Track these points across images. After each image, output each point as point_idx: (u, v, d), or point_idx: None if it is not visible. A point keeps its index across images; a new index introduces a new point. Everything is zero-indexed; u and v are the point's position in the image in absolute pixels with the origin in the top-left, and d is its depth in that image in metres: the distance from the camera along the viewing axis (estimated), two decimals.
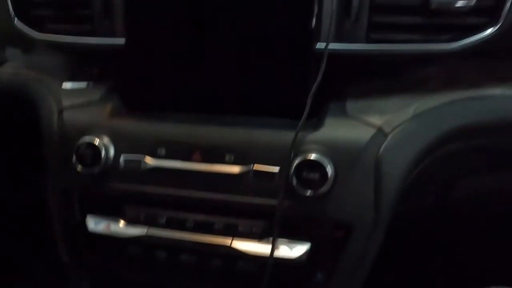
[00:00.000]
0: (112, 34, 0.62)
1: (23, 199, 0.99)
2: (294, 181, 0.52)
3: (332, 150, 0.53)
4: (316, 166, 0.52)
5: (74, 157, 0.58)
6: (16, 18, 0.67)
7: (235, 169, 0.55)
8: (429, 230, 0.86)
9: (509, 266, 0.84)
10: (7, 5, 0.68)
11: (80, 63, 0.73)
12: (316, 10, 0.54)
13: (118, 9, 0.61)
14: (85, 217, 0.61)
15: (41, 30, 0.67)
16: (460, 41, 0.54)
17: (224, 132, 0.57)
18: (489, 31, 0.53)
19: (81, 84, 0.69)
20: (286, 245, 0.55)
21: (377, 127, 0.54)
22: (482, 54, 0.57)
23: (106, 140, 0.58)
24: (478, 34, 0.53)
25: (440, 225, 0.84)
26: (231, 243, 0.56)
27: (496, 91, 0.58)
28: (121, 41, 0.61)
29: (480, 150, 0.63)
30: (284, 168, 0.52)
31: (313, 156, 0.52)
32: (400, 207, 0.65)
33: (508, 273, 0.62)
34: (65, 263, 0.65)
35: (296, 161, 0.52)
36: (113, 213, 0.60)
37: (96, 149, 0.57)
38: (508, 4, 0.52)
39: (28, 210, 0.96)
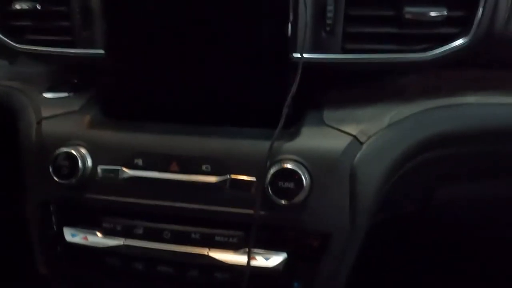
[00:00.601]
0: (91, 45, 0.63)
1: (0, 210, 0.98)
2: (270, 191, 0.52)
3: (308, 159, 0.53)
4: (292, 175, 0.52)
5: (51, 168, 0.58)
6: None
7: (212, 179, 0.55)
8: (408, 237, 0.87)
9: (489, 269, 0.85)
10: None
11: (60, 73, 0.73)
12: (291, 21, 0.54)
13: (97, 20, 0.62)
14: (62, 228, 0.60)
15: (21, 41, 0.67)
16: (433, 51, 0.55)
17: (201, 143, 0.57)
18: (461, 41, 0.54)
19: (61, 94, 0.69)
20: (263, 255, 0.55)
21: (352, 136, 0.55)
22: (456, 64, 0.58)
23: (83, 151, 0.58)
24: (451, 44, 0.54)
25: (420, 232, 0.85)
26: (207, 254, 0.56)
27: (470, 99, 0.59)
28: (100, 52, 0.62)
29: (456, 158, 0.63)
30: (260, 178, 0.53)
31: (288, 165, 0.52)
32: (379, 215, 0.65)
33: (488, 277, 0.63)
34: (43, 275, 0.65)
35: (272, 171, 0.52)
36: (90, 225, 0.59)
37: (73, 160, 0.57)
38: (478, 15, 0.53)
39: (6, 221, 0.95)
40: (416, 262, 0.99)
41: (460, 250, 0.95)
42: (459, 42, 0.54)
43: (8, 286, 1.04)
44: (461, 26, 0.54)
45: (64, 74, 0.73)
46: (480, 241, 0.90)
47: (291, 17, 0.54)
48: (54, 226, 0.61)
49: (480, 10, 0.53)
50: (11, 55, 0.78)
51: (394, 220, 0.75)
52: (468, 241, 0.92)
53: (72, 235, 0.59)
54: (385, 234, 0.79)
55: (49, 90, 0.70)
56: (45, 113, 0.64)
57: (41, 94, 0.69)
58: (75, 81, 0.72)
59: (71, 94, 0.69)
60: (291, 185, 0.52)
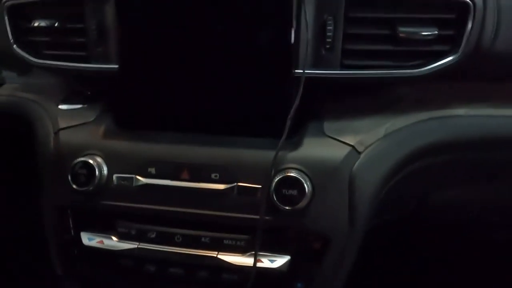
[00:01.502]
0: (105, 60, 0.66)
1: (17, 215, 1.01)
2: (275, 197, 0.56)
3: (309, 167, 0.57)
4: (295, 183, 0.56)
5: (69, 176, 0.61)
6: (15, 44, 0.71)
7: (220, 186, 0.59)
8: (404, 240, 0.90)
9: (484, 272, 0.88)
10: (7, 31, 0.72)
11: (75, 86, 0.77)
12: (293, 40, 0.59)
13: (112, 37, 0.65)
14: (79, 233, 0.64)
15: (38, 55, 0.71)
16: (426, 67, 0.59)
17: (210, 152, 0.60)
18: (451, 57, 0.58)
19: (76, 106, 0.72)
20: (268, 258, 0.59)
21: (351, 146, 0.59)
22: (447, 78, 0.63)
23: (99, 160, 0.62)
24: (442, 60, 0.58)
25: (415, 235, 0.89)
26: (216, 256, 0.59)
27: (460, 111, 0.64)
28: (114, 66, 0.65)
29: (448, 165, 0.67)
30: (265, 185, 0.56)
31: (292, 174, 0.56)
32: (376, 220, 0.69)
33: (483, 278, 0.66)
34: (58, 276, 0.68)
35: (276, 179, 0.56)
36: (106, 229, 0.63)
37: (90, 169, 0.61)
38: (467, 34, 0.58)
39: (23, 225, 0.98)
40: (412, 264, 1.02)
41: (454, 252, 0.99)
42: (449, 58, 0.58)
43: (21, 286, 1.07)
44: (451, 44, 0.58)
45: (76, 86, 0.77)
46: (474, 243, 0.94)
47: (293, 36, 0.58)
48: (72, 231, 0.64)
49: (468, 29, 0.57)
50: (26, 68, 0.83)
51: (390, 223, 0.79)
52: (461, 243, 0.96)
53: (89, 239, 0.63)
54: (381, 238, 0.83)
55: (64, 101, 0.73)
56: (61, 124, 0.68)
57: (57, 105, 0.73)
58: (88, 93, 0.76)
59: (85, 105, 0.72)
60: (294, 192, 0.56)
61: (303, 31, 0.59)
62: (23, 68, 0.82)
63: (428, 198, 0.77)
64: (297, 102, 0.57)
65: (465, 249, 0.98)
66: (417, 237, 0.97)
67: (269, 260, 0.58)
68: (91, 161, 0.61)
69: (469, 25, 0.57)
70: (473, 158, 0.67)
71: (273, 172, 0.57)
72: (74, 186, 0.61)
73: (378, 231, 0.75)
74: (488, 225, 0.89)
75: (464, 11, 0.57)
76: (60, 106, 0.73)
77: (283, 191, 0.56)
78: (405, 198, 0.76)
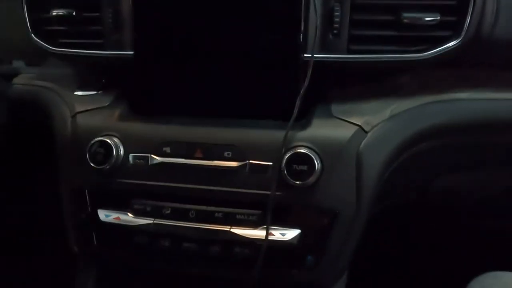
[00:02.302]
0: (120, 47, 0.69)
1: (32, 197, 1.04)
2: (285, 173, 0.58)
3: (318, 146, 0.59)
4: (305, 159, 0.58)
5: (87, 155, 0.64)
6: (32, 34, 0.74)
7: (233, 164, 0.61)
8: (408, 225, 0.92)
9: (488, 256, 0.90)
10: (24, 22, 0.75)
11: (87, 74, 0.80)
12: (303, 26, 0.62)
13: (127, 24, 0.68)
14: (96, 210, 0.66)
15: (55, 44, 0.73)
16: (429, 51, 0.61)
17: (222, 132, 0.63)
18: (453, 42, 0.61)
19: (92, 92, 0.75)
20: (279, 231, 0.61)
21: (358, 126, 0.61)
22: (450, 65, 0.65)
23: (116, 140, 0.64)
24: (444, 45, 0.61)
25: (419, 220, 0.91)
26: (229, 230, 0.61)
27: (462, 95, 0.66)
28: (129, 53, 0.68)
29: (450, 148, 0.70)
30: (277, 162, 0.59)
31: (302, 150, 0.59)
32: (382, 203, 0.71)
33: (488, 262, 0.68)
34: (74, 253, 0.70)
35: (287, 155, 0.59)
36: (122, 206, 0.65)
37: (108, 148, 0.63)
38: (468, 20, 0.60)
39: (37, 207, 1.01)
40: (416, 248, 1.04)
41: (458, 237, 1.01)
42: (451, 43, 0.61)
43: (37, 265, 1.09)
44: (453, 29, 0.61)
45: (91, 75, 0.80)
46: (474, 231, 0.96)
47: (302, 22, 0.61)
48: (89, 208, 0.67)
49: (469, 16, 0.60)
50: (42, 57, 0.85)
51: (395, 208, 0.81)
52: (463, 230, 0.98)
53: (106, 216, 0.65)
54: (386, 222, 0.85)
55: (79, 89, 0.76)
56: (78, 108, 0.70)
57: (72, 92, 0.75)
58: (103, 81, 0.78)
59: (100, 92, 0.75)
60: (304, 167, 0.58)
61: (311, 17, 0.62)
62: (40, 58, 0.85)
63: (431, 183, 0.79)
64: (306, 84, 0.60)
65: (465, 236, 1.00)
66: (418, 224, 0.99)
67: (280, 233, 0.61)
68: (108, 140, 0.63)
69: (470, 12, 0.60)
70: (475, 141, 0.70)
71: (283, 149, 0.59)
72: (92, 165, 0.63)
73: (381, 217, 0.77)
74: (488, 214, 0.91)
75: None
76: (76, 93, 0.75)
77: (294, 166, 0.58)
78: (409, 182, 0.78)
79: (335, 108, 0.65)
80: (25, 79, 0.83)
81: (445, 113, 0.65)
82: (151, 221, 0.63)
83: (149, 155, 0.63)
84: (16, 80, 0.83)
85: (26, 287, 1.09)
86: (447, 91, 0.66)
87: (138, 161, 0.64)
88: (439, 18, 0.60)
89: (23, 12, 0.74)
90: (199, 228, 0.62)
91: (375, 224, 0.72)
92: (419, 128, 0.64)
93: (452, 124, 0.65)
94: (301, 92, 0.60)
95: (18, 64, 0.87)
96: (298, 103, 0.60)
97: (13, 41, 0.83)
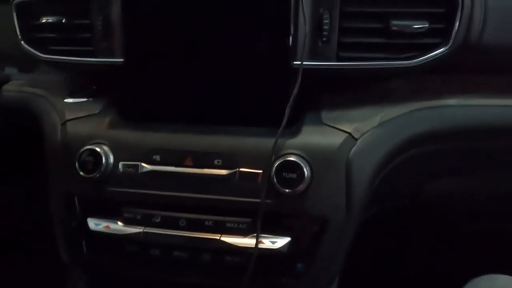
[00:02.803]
0: (110, 54, 0.69)
1: (24, 207, 1.03)
2: (275, 181, 0.58)
3: (308, 153, 0.60)
4: (295, 167, 0.58)
5: (76, 164, 0.63)
6: (22, 41, 0.74)
7: (222, 172, 0.61)
8: (399, 231, 0.93)
9: (483, 259, 0.91)
10: (14, 29, 0.74)
11: (78, 81, 0.79)
12: (292, 33, 0.62)
13: (117, 32, 0.68)
14: (86, 219, 0.66)
15: (44, 51, 0.73)
16: (417, 59, 0.62)
17: (213, 140, 0.63)
18: (442, 49, 0.61)
19: (81, 99, 0.75)
20: (269, 239, 0.61)
21: (348, 133, 0.62)
22: (439, 71, 0.66)
23: (105, 148, 0.64)
24: (433, 52, 0.62)
25: (410, 226, 0.91)
26: (219, 239, 0.61)
27: (451, 101, 0.67)
28: (119, 60, 0.68)
29: (440, 154, 0.70)
30: (266, 169, 0.59)
31: (291, 158, 0.59)
32: (372, 209, 0.72)
33: (483, 265, 0.69)
34: (65, 263, 0.70)
35: (277, 163, 0.59)
36: (112, 215, 0.65)
37: (97, 156, 0.63)
38: (456, 27, 0.61)
39: (28, 215, 1.00)
40: (407, 254, 1.05)
41: (449, 243, 1.01)
42: (439, 50, 0.61)
43: (29, 273, 1.09)
44: (441, 37, 0.61)
45: (81, 82, 0.79)
46: (468, 234, 0.97)
47: (292, 29, 0.61)
48: (78, 217, 0.66)
49: (457, 23, 0.60)
50: (32, 64, 0.85)
51: (386, 214, 0.81)
52: (457, 234, 0.99)
53: (95, 224, 0.65)
54: (377, 228, 0.85)
55: (70, 96, 0.76)
56: (68, 115, 0.70)
57: (63, 99, 0.75)
58: (94, 87, 0.78)
59: (90, 99, 0.75)
60: (294, 175, 0.58)
61: (301, 24, 0.62)
62: (30, 65, 0.85)
63: (423, 188, 0.80)
64: (295, 91, 0.60)
65: (460, 240, 1.00)
66: (412, 228, 1.00)
67: (270, 241, 0.61)
68: (97, 149, 0.63)
69: (458, 20, 0.60)
70: (464, 147, 0.70)
71: (273, 157, 0.59)
72: (81, 173, 0.63)
73: (374, 222, 0.78)
74: (481, 217, 0.92)
75: (453, 6, 0.60)
76: (66, 100, 0.75)
77: (283, 174, 0.58)
78: (401, 187, 0.79)
79: (325, 115, 0.65)
80: (16, 86, 0.83)
81: (435, 120, 0.66)
82: (141, 230, 0.63)
83: (139, 163, 0.63)
84: (6, 87, 0.83)
85: None
86: (436, 98, 0.67)
87: (128, 169, 0.63)
88: (427, 25, 0.61)
89: (13, 19, 0.74)
90: (189, 236, 0.62)
91: (368, 229, 0.73)
92: (409, 134, 0.64)
93: (441, 130, 0.66)
94: (291, 99, 0.60)
95: (10, 71, 0.87)
96: (287, 110, 0.60)
97: (5, 48, 0.83)
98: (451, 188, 0.80)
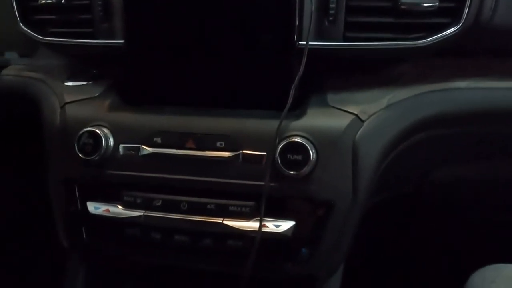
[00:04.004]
0: (111, 36, 0.67)
1: (23, 192, 1.02)
2: (279, 163, 0.57)
3: (314, 135, 0.58)
4: (300, 148, 0.57)
5: (75, 146, 0.62)
6: (21, 23, 0.72)
7: (225, 154, 0.59)
8: (405, 218, 0.91)
9: (486, 248, 0.89)
10: (13, 10, 0.73)
11: (79, 65, 0.78)
12: (297, 12, 0.60)
13: (117, 13, 0.66)
14: (85, 203, 0.64)
15: (44, 33, 0.72)
16: (426, 39, 0.60)
17: (215, 122, 0.61)
18: (452, 29, 0.59)
19: (82, 83, 0.73)
20: (273, 223, 0.59)
21: (354, 115, 0.60)
22: (449, 53, 0.64)
23: (106, 130, 0.63)
24: (442, 32, 0.60)
25: (416, 213, 0.89)
26: (222, 222, 0.60)
27: (461, 84, 0.65)
28: (119, 41, 0.66)
29: (448, 138, 0.68)
30: (270, 151, 0.57)
31: (296, 140, 0.57)
32: (378, 195, 0.70)
33: (486, 254, 0.67)
34: (64, 248, 0.69)
35: (281, 144, 0.57)
36: (112, 199, 0.63)
37: (97, 138, 0.61)
38: (467, 6, 0.59)
39: (27, 202, 0.99)
40: (416, 242, 1.03)
41: (455, 232, 1.00)
42: (450, 30, 0.59)
43: (29, 260, 1.08)
44: (452, 16, 0.59)
45: (81, 66, 0.78)
46: (474, 224, 0.95)
47: (297, 9, 0.60)
48: (78, 201, 0.65)
49: (468, 2, 0.58)
50: (31, 48, 0.84)
51: (390, 202, 0.80)
52: (462, 222, 0.97)
53: (95, 208, 0.63)
54: (384, 215, 0.84)
55: (69, 79, 0.75)
56: (67, 98, 0.69)
57: (62, 83, 0.74)
58: (94, 71, 0.77)
59: (90, 82, 0.73)
60: (299, 157, 0.56)
61: (307, 3, 0.60)
62: (29, 49, 0.84)
63: (430, 174, 0.78)
64: (301, 71, 0.58)
65: (464, 230, 0.99)
66: (417, 217, 0.98)
67: (274, 225, 0.59)
68: (97, 131, 0.62)
69: None
70: (474, 132, 0.68)
71: (277, 139, 0.57)
72: (81, 156, 0.62)
73: (379, 210, 0.76)
74: (487, 206, 0.90)
75: None
76: (66, 83, 0.74)
77: (288, 156, 0.56)
78: (407, 174, 0.77)
79: (331, 98, 0.63)
80: (15, 70, 0.81)
81: (444, 103, 0.64)
82: (142, 213, 0.62)
83: (140, 145, 0.62)
84: (5, 71, 0.82)
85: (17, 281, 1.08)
86: (445, 80, 0.65)
87: (128, 152, 0.62)
88: (437, 4, 0.59)
89: (11, 1, 0.72)
90: (190, 220, 0.61)
91: (373, 218, 0.71)
92: (418, 117, 0.62)
93: (450, 113, 0.64)
94: (296, 79, 0.58)
95: (10, 55, 0.85)
96: (292, 91, 0.58)
97: (4, 32, 0.82)
98: (457, 175, 0.78)
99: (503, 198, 0.85)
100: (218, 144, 0.60)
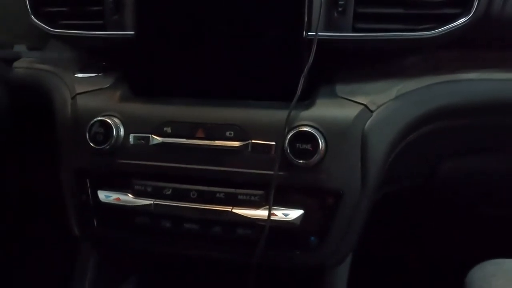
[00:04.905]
0: (121, 28, 0.68)
1: (32, 182, 1.04)
2: (288, 152, 0.57)
3: (323, 125, 0.58)
4: (309, 138, 0.57)
5: (87, 135, 0.63)
6: (32, 15, 0.73)
7: (235, 143, 0.60)
8: (413, 211, 0.91)
9: (493, 242, 0.89)
10: (25, 3, 0.74)
11: (88, 58, 0.79)
12: (307, 3, 0.60)
13: (127, 5, 0.67)
14: (96, 192, 0.65)
15: (55, 25, 0.72)
16: (436, 30, 0.60)
17: (224, 112, 0.62)
18: (462, 20, 0.59)
19: (92, 74, 0.74)
20: (281, 212, 0.59)
21: (363, 105, 0.60)
22: (459, 45, 0.64)
23: (116, 120, 0.63)
24: (452, 23, 0.59)
25: (424, 206, 0.89)
26: (231, 210, 0.60)
27: (471, 75, 0.64)
28: (130, 33, 0.67)
29: (458, 130, 0.68)
30: (280, 141, 0.58)
31: (305, 129, 0.57)
32: (386, 187, 0.70)
33: (492, 248, 0.67)
34: (76, 237, 0.70)
35: (290, 134, 0.57)
36: (123, 187, 0.64)
37: (108, 128, 0.62)
38: None
39: (39, 191, 1.01)
40: (419, 235, 1.04)
41: (461, 224, 0.99)
42: (460, 21, 0.59)
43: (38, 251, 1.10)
44: (462, 7, 0.59)
45: (92, 58, 0.79)
46: (480, 216, 0.95)
47: (307, 0, 0.60)
48: (89, 190, 0.66)
49: None
50: (43, 40, 0.85)
51: (398, 195, 0.80)
52: (467, 215, 0.97)
53: (106, 196, 0.64)
54: (391, 207, 0.84)
55: (80, 71, 0.75)
56: (78, 89, 0.70)
57: (73, 74, 0.75)
58: (104, 63, 0.77)
59: (101, 74, 0.74)
60: (308, 146, 0.57)
61: None
62: (40, 41, 0.85)
63: (438, 168, 0.78)
64: (310, 62, 0.59)
65: (468, 223, 0.99)
66: (424, 210, 0.98)
67: (283, 213, 0.59)
68: (108, 121, 0.63)
69: None
70: (484, 124, 0.68)
71: (287, 128, 0.58)
72: (92, 145, 0.63)
73: (387, 202, 0.76)
74: (494, 201, 0.90)
75: None
76: (76, 75, 0.75)
77: (297, 145, 0.57)
78: (415, 166, 0.77)
79: (340, 89, 0.63)
80: (26, 63, 0.82)
81: (453, 94, 0.63)
82: (152, 202, 0.62)
83: (150, 135, 0.62)
84: (17, 64, 0.83)
85: (25, 274, 1.10)
86: (455, 72, 0.64)
87: (138, 141, 0.63)
88: None
89: None
90: (200, 208, 0.61)
91: (380, 210, 0.71)
92: (426, 108, 0.62)
93: (460, 105, 0.64)
94: (305, 70, 0.59)
95: (20, 48, 0.86)
96: (301, 81, 0.58)
97: (14, 25, 0.83)
98: (466, 168, 0.78)
99: (510, 192, 0.84)
100: (227, 133, 0.60)
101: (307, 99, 0.62)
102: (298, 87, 0.58)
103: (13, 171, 1.01)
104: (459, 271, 0.64)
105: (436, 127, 0.66)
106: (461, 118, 0.66)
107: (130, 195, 0.64)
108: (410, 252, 1.07)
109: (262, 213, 0.59)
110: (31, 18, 0.74)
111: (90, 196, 0.66)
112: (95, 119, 0.63)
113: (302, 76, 0.58)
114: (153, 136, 0.62)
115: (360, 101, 0.60)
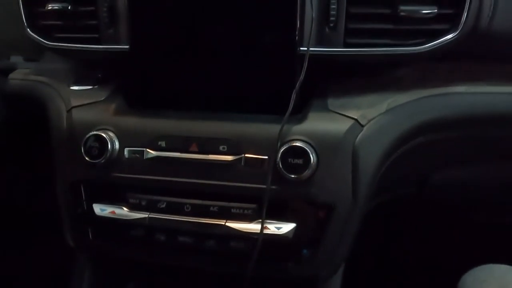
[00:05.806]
0: (116, 42, 0.69)
1: (28, 194, 1.04)
2: (281, 167, 0.58)
3: (314, 139, 0.59)
4: (300, 152, 0.58)
5: (82, 149, 0.64)
6: (28, 28, 0.74)
7: (228, 158, 0.61)
8: (405, 220, 0.92)
9: (484, 248, 0.90)
10: (20, 16, 0.74)
11: (86, 69, 0.79)
12: (298, 19, 0.61)
13: (122, 19, 0.68)
14: (91, 205, 0.66)
15: (50, 38, 0.73)
16: (426, 45, 0.61)
17: (218, 126, 0.63)
18: (451, 35, 0.60)
19: (87, 87, 0.75)
20: (274, 225, 0.60)
21: (354, 120, 0.61)
22: (448, 58, 0.65)
23: (111, 134, 0.64)
24: (441, 38, 0.61)
25: (416, 215, 0.90)
26: (224, 224, 0.61)
27: (460, 88, 0.66)
28: (125, 47, 0.68)
29: (448, 142, 0.69)
30: (272, 155, 0.59)
31: (297, 144, 0.58)
32: (378, 198, 0.71)
33: (483, 254, 0.68)
34: (71, 248, 0.70)
35: (283, 149, 0.58)
36: (118, 201, 0.65)
37: (103, 142, 0.63)
38: (465, 13, 0.60)
39: (34, 204, 1.01)
40: (411, 242, 1.05)
41: (453, 230, 1.01)
42: (448, 36, 0.60)
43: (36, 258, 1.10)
44: (450, 22, 0.60)
45: (87, 70, 0.79)
46: (471, 223, 0.96)
47: (298, 15, 0.61)
48: (84, 203, 0.66)
49: (466, 8, 0.59)
50: (38, 52, 0.85)
51: (390, 204, 0.81)
52: (460, 222, 0.98)
53: (101, 210, 0.65)
54: (383, 216, 0.85)
55: (75, 83, 0.76)
56: (74, 102, 0.70)
57: (68, 87, 0.75)
58: (99, 75, 0.78)
59: (96, 86, 0.74)
60: (299, 161, 0.58)
61: (307, 10, 0.61)
62: (36, 53, 0.85)
63: (430, 177, 0.79)
64: (302, 77, 0.60)
65: (460, 229, 1.00)
66: (415, 217, 1.00)
67: (276, 227, 0.60)
68: (103, 135, 0.63)
69: (467, 5, 0.59)
70: (474, 136, 0.69)
71: (279, 143, 0.59)
72: (87, 159, 0.63)
73: (379, 211, 0.77)
74: (485, 209, 0.91)
75: None
76: (72, 87, 0.75)
77: (289, 160, 0.58)
78: (407, 176, 0.78)
79: (331, 102, 0.64)
80: (22, 74, 0.83)
81: (443, 107, 0.65)
82: (146, 215, 0.63)
83: (144, 149, 0.63)
84: (12, 75, 0.83)
85: (23, 280, 1.10)
86: (444, 85, 0.66)
87: (133, 155, 0.63)
88: (436, 11, 0.60)
89: (19, 6, 0.74)
90: (194, 222, 0.62)
91: (372, 219, 0.72)
92: (417, 121, 0.63)
93: (449, 118, 0.65)
94: (297, 85, 0.60)
95: (16, 59, 0.87)
96: (293, 96, 0.59)
97: (11, 37, 0.83)
98: (457, 177, 0.79)
99: (501, 200, 0.86)
100: (221, 148, 0.61)
101: (299, 113, 0.63)
102: (290, 103, 0.59)
103: (9, 182, 1.01)
104: (451, 276, 0.65)
105: (427, 140, 0.67)
106: (451, 130, 0.67)
107: (125, 208, 0.65)
108: (402, 258, 1.09)
109: (255, 226, 0.60)
110: (27, 31, 0.74)
111: (85, 209, 0.67)
112: (90, 133, 0.64)
113: (294, 91, 0.59)
114: (147, 150, 0.63)
115: (351, 115, 0.61)
